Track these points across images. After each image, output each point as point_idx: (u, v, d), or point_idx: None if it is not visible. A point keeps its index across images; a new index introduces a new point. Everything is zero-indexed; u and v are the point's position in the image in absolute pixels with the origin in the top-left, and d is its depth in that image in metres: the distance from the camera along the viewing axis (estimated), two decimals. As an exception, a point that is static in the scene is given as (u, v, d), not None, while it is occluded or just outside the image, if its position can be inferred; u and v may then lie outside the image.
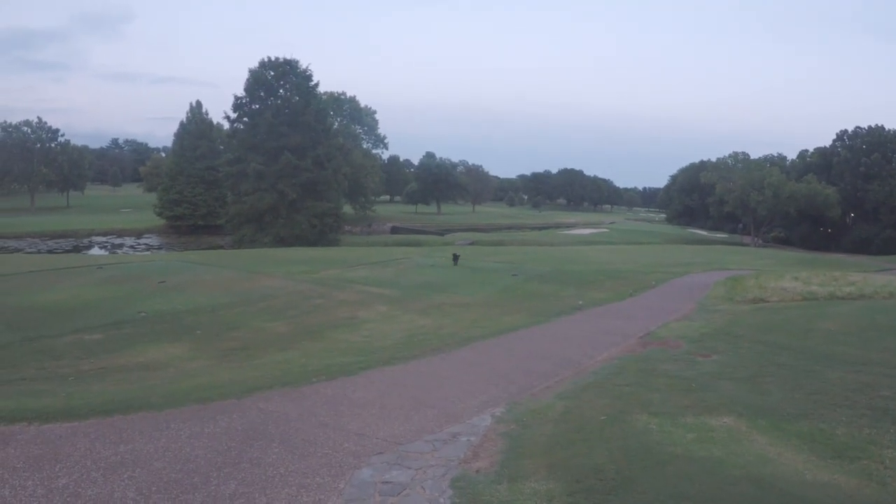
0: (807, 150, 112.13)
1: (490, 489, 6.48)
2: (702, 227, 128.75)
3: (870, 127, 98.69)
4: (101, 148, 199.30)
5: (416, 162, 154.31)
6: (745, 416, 8.75)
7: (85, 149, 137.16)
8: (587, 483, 6.48)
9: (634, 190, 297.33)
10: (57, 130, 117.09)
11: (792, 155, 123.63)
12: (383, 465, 7.16)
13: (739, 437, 7.94)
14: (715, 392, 10.26)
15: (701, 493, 6.18)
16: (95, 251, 62.30)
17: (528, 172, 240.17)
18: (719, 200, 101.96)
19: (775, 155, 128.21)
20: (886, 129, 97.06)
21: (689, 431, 8.12)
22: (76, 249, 62.31)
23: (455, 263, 36.03)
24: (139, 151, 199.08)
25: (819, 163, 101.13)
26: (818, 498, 6.15)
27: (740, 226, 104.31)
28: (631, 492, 6.24)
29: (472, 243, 59.12)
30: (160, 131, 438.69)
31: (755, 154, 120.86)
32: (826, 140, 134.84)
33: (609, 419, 8.74)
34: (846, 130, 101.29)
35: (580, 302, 22.84)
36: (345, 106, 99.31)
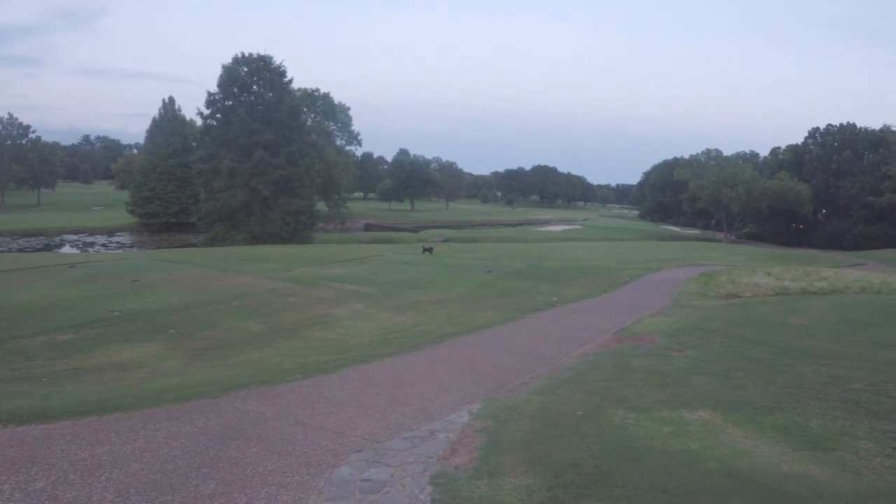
0: (779, 148, 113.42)
1: (470, 485, 6.50)
2: (675, 224, 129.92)
3: (841, 125, 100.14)
4: (73, 144, 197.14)
5: (389, 159, 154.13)
6: (720, 410, 8.84)
7: (56, 146, 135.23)
8: (566, 478, 6.52)
9: (608, 187, 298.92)
10: (28, 127, 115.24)
11: (764, 152, 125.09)
12: (362, 462, 7.15)
13: (715, 430, 8.03)
14: (690, 386, 10.37)
15: (678, 486, 6.25)
16: (67, 250, 61.44)
17: (501, 169, 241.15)
18: (692, 197, 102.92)
19: (748, 152, 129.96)
20: (858, 126, 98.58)
21: (665, 425, 8.19)
22: (47, 248, 61.40)
23: (429, 253, 36.65)
24: (111, 148, 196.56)
25: (791, 160, 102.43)
26: (794, 489, 6.23)
27: (713, 222, 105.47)
28: (609, 485, 6.29)
29: (446, 240, 59.17)
30: (133, 128, 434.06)
31: (728, 151, 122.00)
32: (798, 137, 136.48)
33: (586, 414, 8.80)
34: (818, 128, 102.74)
35: (555, 298, 22.96)
36: (318, 102, 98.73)
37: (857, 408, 8.93)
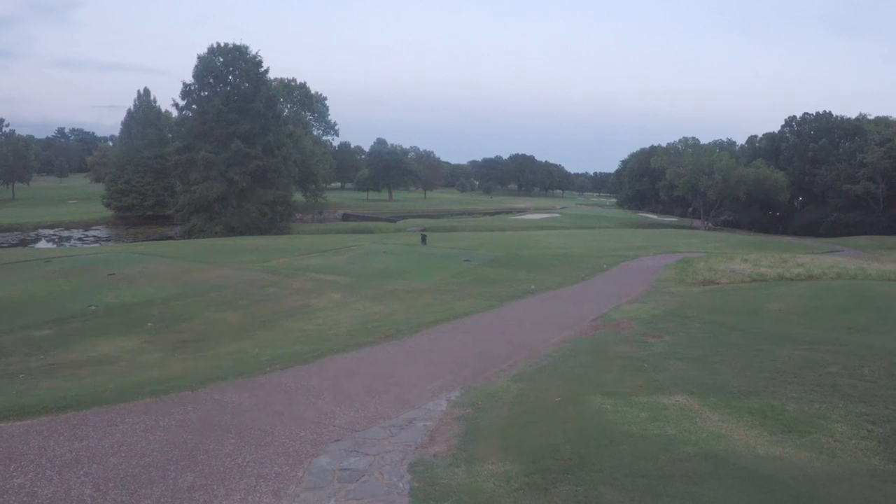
0: (756, 136, 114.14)
1: (448, 472, 6.53)
2: (652, 212, 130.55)
3: (818, 113, 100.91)
4: (48, 138, 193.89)
5: (367, 148, 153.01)
6: (697, 395, 8.93)
7: (30, 139, 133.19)
8: (544, 463, 6.57)
9: (585, 175, 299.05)
10: (2, 120, 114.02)
11: (741, 140, 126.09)
12: (341, 452, 7.16)
13: (692, 414, 8.11)
14: (667, 372, 10.46)
15: (655, 470, 6.31)
16: (43, 244, 60.59)
17: (479, 158, 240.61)
18: (670, 185, 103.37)
19: (725, 140, 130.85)
20: (834, 115, 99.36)
21: (643, 410, 8.26)
22: (23, 243, 60.52)
23: (423, 242, 36.80)
24: (86, 141, 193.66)
25: (768, 148, 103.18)
26: (770, 471, 6.32)
27: (690, 210, 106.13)
28: (586, 470, 6.34)
29: (423, 229, 59.06)
30: (108, 120, 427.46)
31: (705, 139, 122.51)
32: (775, 126, 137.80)
33: (564, 400, 8.86)
34: (794, 116, 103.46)
35: (533, 286, 23.03)
36: (295, 92, 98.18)
37: (832, 391, 9.06)
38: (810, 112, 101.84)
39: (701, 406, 8.44)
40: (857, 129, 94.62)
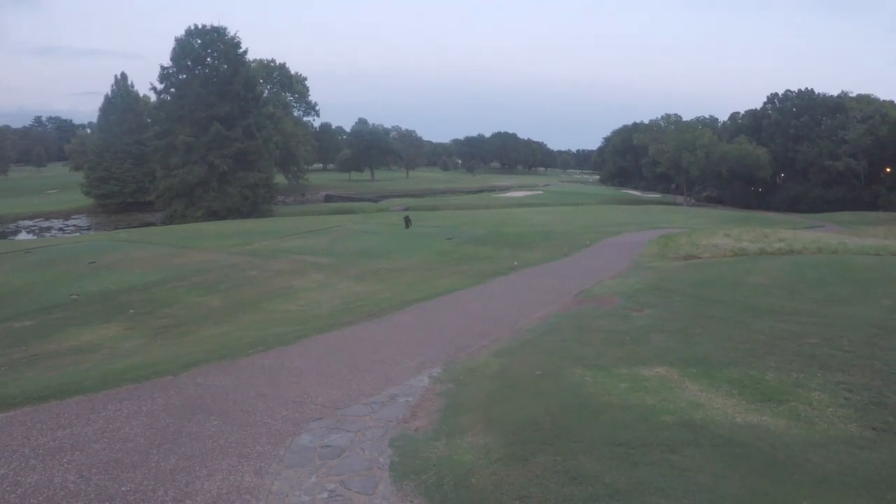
0: (738, 113, 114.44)
1: (428, 446, 6.59)
2: (635, 188, 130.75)
3: (800, 90, 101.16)
4: (24, 127, 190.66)
5: (348, 129, 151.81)
6: (677, 366, 9.04)
7: (6, 129, 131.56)
8: (523, 435, 6.64)
9: (568, 152, 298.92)
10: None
11: (723, 117, 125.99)
12: (322, 429, 7.20)
13: (671, 385, 8.21)
14: (648, 344, 10.57)
15: (634, 439, 6.40)
16: (23, 236, 59.79)
17: (461, 136, 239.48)
18: (652, 161, 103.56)
19: (707, 117, 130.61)
20: (816, 92, 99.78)
21: (623, 382, 8.35)
22: (2, 236, 59.64)
23: (407, 227, 36.40)
24: (64, 129, 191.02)
25: (750, 124, 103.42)
26: (748, 439, 6.43)
27: (673, 186, 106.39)
28: (566, 441, 6.42)
29: (406, 209, 58.84)
30: (85, 107, 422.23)
31: (687, 116, 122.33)
32: (757, 103, 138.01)
33: (544, 374, 8.93)
34: (777, 93, 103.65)
35: (515, 263, 23.09)
36: (275, 73, 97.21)
37: (811, 361, 9.19)
38: (792, 89, 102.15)
39: (680, 377, 8.54)
40: (838, 107, 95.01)
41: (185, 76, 66.08)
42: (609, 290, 16.72)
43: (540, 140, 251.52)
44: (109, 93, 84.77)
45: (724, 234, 31.07)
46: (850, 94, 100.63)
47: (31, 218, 72.13)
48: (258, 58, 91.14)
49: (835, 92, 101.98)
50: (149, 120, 77.47)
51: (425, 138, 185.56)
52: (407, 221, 38.26)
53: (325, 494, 5.77)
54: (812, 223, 54.94)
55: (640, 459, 5.95)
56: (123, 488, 5.85)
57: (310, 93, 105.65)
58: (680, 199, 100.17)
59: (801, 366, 8.96)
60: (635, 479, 5.62)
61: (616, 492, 5.41)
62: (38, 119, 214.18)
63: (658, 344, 10.58)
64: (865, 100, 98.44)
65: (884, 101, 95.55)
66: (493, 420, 7.25)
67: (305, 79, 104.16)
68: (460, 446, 6.52)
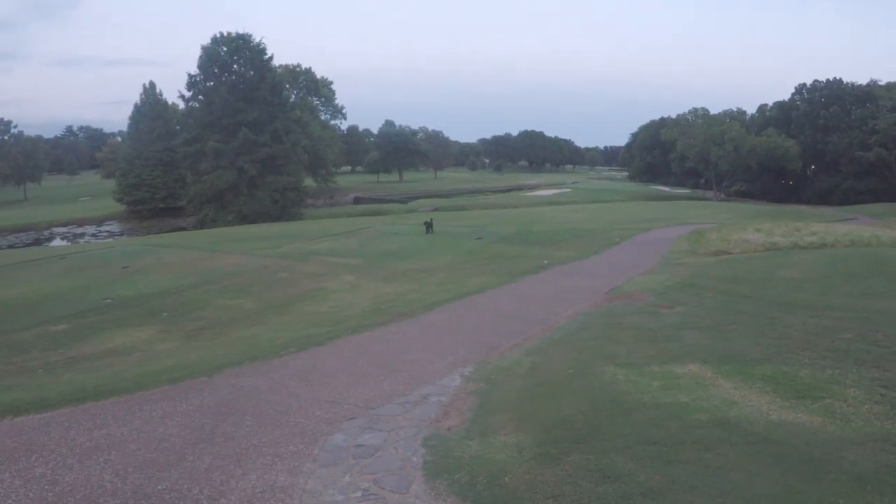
0: (766, 104, 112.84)
1: (461, 445, 6.59)
2: (664, 184, 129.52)
3: (828, 80, 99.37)
4: (56, 137, 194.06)
5: (375, 131, 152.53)
6: (710, 363, 8.92)
7: (39, 139, 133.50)
8: (556, 434, 6.61)
9: (596, 149, 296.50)
10: (9, 122, 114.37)
11: (751, 109, 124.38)
12: (356, 429, 7.25)
13: (705, 382, 8.11)
14: (680, 341, 10.45)
15: (667, 437, 6.33)
16: (57, 242, 60.77)
17: (488, 136, 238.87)
18: (681, 156, 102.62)
19: (735, 110, 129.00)
20: (845, 81, 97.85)
21: (655, 380, 8.27)
22: (37, 242, 60.75)
23: (427, 232, 34.80)
24: (95, 138, 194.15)
25: (778, 116, 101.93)
26: (782, 436, 6.31)
27: (702, 181, 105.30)
28: (598, 439, 6.38)
29: (435, 209, 58.88)
30: (115, 116, 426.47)
31: (715, 109, 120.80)
32: (785, 94, 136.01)
33: (576, 372, 8.88)
34: (805, 84, 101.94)
35: (545, 261, 23.00)
36: (301, 78, 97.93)
37: (845, 357, 9.01)
38: (820, 79, 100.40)
39: (714, 374, 8.43)
40: (868, 95, 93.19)
41: (212, 83, 66.88)
42: (639, 287, 16.59)
43: (567, 137, 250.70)
44: (138, 101, 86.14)
45: (755, 228, 30.67)
46: (880, 83, 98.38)
47: (64, 225, 73.34)
48: (284, 63, 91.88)
49: (864, 80, 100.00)
50: (178, 127, 78.59)
51: (452, 138, 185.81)
52: (428, 226, 35.61)
53: (359, 493, 5.80)
54: (844, 216, 54.01)
55: (673, 458, 5.89)
56: (159, 487, 5.94)
57: (336, 96, 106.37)
58: (709, 194, 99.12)
59: (835, 362, 8.79)
60: (669, 477, 5.56)
61: (650, 490, 5.36)
62: (69, 129, 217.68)
63: (690, 341, 10.46)
64: (895, 87, 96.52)
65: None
66: (526, 419, 7.24)
67: (331, 82, 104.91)
68: (493, 445, 6.51)
